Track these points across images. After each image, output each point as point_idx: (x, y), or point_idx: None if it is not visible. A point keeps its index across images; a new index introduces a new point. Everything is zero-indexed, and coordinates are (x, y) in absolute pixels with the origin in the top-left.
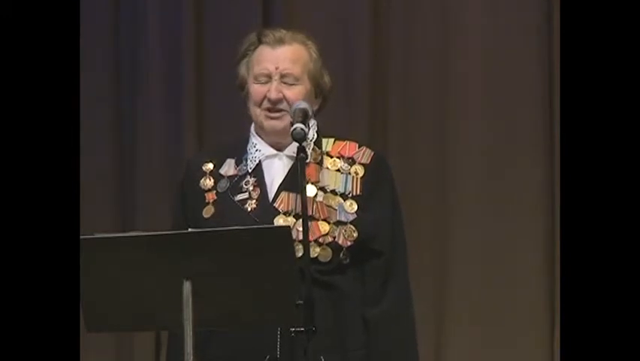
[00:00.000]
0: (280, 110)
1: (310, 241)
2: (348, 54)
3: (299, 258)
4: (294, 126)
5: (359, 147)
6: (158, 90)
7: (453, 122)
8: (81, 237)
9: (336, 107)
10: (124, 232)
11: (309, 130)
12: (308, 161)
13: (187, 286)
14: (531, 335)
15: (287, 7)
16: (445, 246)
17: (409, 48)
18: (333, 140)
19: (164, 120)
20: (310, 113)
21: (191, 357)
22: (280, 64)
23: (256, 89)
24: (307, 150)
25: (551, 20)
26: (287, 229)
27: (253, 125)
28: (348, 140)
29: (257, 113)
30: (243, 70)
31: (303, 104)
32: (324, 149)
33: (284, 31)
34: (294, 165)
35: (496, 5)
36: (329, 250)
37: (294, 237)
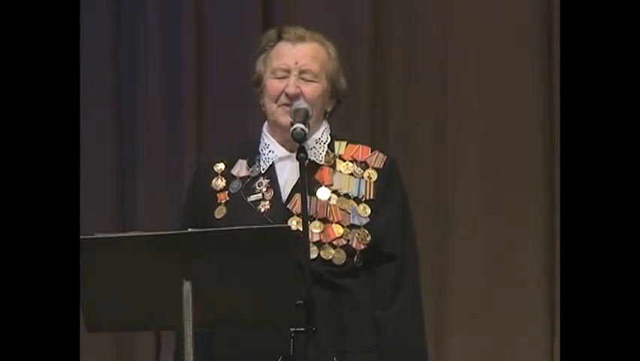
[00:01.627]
0: None
1: (324, 244)
2: (348, 54)
3: (313, 260)
4: (295, 126)
5: (372, 151)
6: (158, 90)
7: (453, 122)
8: (81, 237)
9: (339, 107)
10: (124, 232)
11: (309, 130)
12: (321, 164)
13: (187, 286)
14: (531, 335)
15: (287, 7)
16: (445, 246)
17: (409, 48)
18: (345, 143)
19: (164, 120)
20: (311, 113)
21: (191, 357)
22: (300, 60)
23: (273, 84)
24: (321, 152)
25: (551, 20)
26: (287, 229)
27: (265, 124)
28: (360, 143)
29: (273, 108)
30: (260, 65)
31: (304, 105)
32: (336, 152)
33: (304, 30)
34: (307, 167)
35: (496, 5)
36: (343, 252)
37: (312, 239)
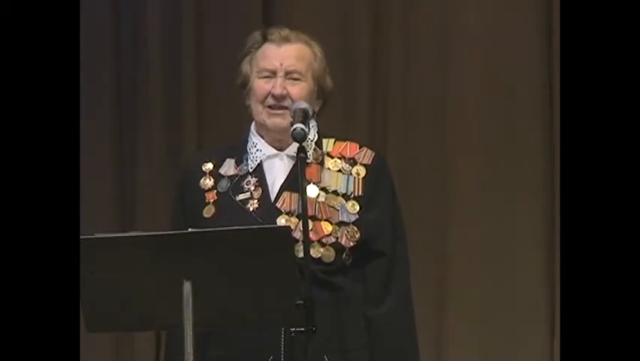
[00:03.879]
0: (283, 108)
1: (313, 241)
2: (348, 54)
3: (301, 258)
4: (294, 126)
5: (360, 148)
6: (158, 90)
7: (453, 122)
8: (81, 237)
9: (336, 107)
10: (124, 232)
11: (309, 130)
12: (309, 161)
13: (187, 286)
14: (531, 335)
15: (287, 7)
16: (445, 246)
17: (408, 48)
18: (333, 140)
19: (164, 120)
20: (311, 113)
21: (191, 357)
22: (285, 60)
23: (260, 85)
24: (308, 150)
25: (551, 21)
26: (287, 229)
27: (253, 124)
28: (348, 140)
29: (259, 110)
30: (246, 67)
31: (304, 105)
32: (324, 149)
33: (289, 30)
34: (296, 165)
35: (497, 5)
36: (332, 250)
37: (297, 237)
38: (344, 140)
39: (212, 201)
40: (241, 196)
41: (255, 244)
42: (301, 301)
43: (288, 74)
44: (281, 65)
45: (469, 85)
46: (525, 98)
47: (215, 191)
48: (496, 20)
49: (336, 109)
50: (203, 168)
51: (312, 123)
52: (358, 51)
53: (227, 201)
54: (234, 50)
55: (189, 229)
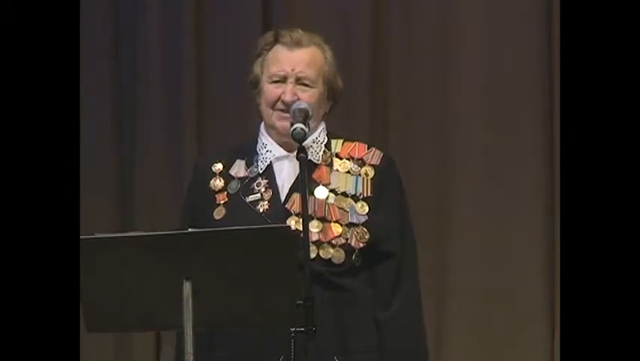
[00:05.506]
0: None
1: (323, 243)
2: (348, 54)
3: (312, 259)
4: (294, 126)
5: (368, 148)
6: (158, 90)
7: (453, 122)
8: (81, 237)
9: (336, 107)
10: (124, 232)
11: (309, 130)
12: (318, 163)
13: (187, 286)
14: (531, 335)
15: (287, 7)
16: (445, 246)
17: (409, 48)
18: (342, 141)
19: (164, 120)
20: (311, 113)
21: (192, 357)
22: (297, 66)
23: (270, 90)
24: (318, 151)
25: (552, 19)
26: (287, 229)
27: (263, 124)
28: (357, 141)
29: (269, 113)
30: (257, 68)
31: (304, 105)
32: (333, 150)
33: (301, 33)
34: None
35: (496, 4)
36: (342, 251)
37: (312, 238)
38: (352, 140)
39: (222, 202)
40: (251, 198)
41: (254, 244)
42: (301, 301)
43: (299, 80)
44: (292, 70)
45: (468, 84)
46: (525, 98)
47: (225, 192)
48: (496, 20)
49: (336, 108)
50: (214, 169)
51: (322, 125)
52: (358, 50)
53: (237, 203)
54: (234, 50)
55: (189, 229)
